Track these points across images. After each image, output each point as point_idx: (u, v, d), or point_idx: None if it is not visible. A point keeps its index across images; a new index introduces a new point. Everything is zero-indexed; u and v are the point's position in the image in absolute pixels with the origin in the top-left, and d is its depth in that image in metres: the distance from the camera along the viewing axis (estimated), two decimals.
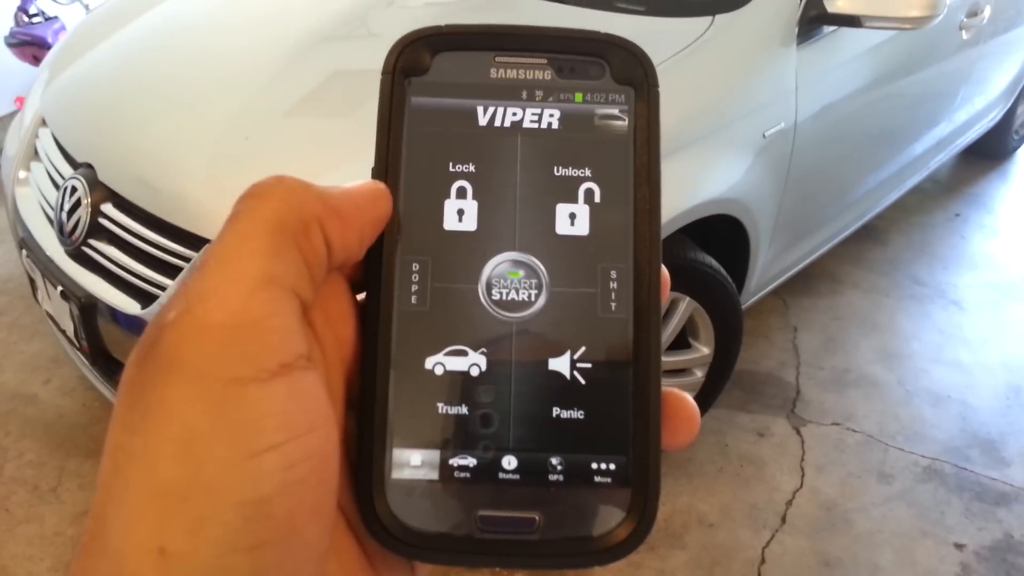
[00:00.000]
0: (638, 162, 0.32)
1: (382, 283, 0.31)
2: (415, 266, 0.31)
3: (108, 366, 1.71)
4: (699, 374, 2.03)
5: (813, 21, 1.92)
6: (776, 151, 1.93)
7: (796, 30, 1.90)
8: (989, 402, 2.40)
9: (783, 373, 2.46)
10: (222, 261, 0.27)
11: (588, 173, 0.32)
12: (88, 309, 1.62)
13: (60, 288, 1.66)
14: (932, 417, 2.34)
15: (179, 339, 0.25)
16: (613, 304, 0.31)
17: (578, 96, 0.32)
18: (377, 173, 0.32)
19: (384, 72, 0.32)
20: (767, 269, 2.21)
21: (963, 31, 2.49)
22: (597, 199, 0.32)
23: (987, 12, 2.54)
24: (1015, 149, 3.70)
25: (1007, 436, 2.28)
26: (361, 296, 0.32)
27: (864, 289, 2.85)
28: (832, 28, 1.97)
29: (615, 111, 0.32)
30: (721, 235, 1.95)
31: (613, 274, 0.31)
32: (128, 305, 1.56)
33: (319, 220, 0.28)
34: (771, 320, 2.65)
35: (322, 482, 0.27)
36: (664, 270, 0.32)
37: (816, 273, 2.78)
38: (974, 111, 3.08)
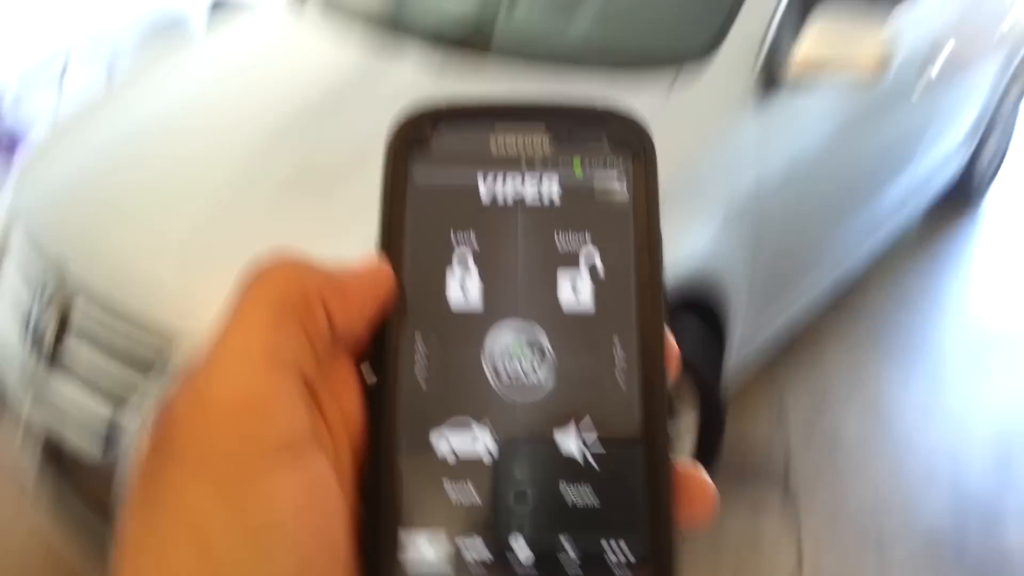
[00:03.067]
0: (638, 231, 0.32)
1: (386, 362, 0.31)
2: (419, 345, 0.31)
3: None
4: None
5: (770, 83, 1.89)
6: (740, 215, 1.88)
7: (756, 86, 1.87)
8: (982, 460, 2.33)
9: (774, 441, 2.38)
10: (227, 342, 0.27)
11: (589, 243, 0.32)
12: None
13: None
14: (925, 478, 2.25)
15: (187, 424, 0.25)
16: (621, 379, 0.30)
17: (576, 167, 0.32)
18: (382, 248, 0.32)
19: (387, 147, 0.33)
20: (745, 337, 2.13)
21: (919, 79, 2.48)
22: (599, 269, 0.31)
23: (938, 66, 2.54)
24: (981, 196, 3.69)
25: (1002, 495, 2.20)
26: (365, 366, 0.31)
27: (847, 347, 2.78)
28: (789, 89, 1.95)
29: (614, 180, 0.32)
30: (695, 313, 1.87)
31: (619, 348, 0.31)
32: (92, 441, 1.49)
33: (320, 295, 0.28)
34: (757, 386, 2.57)
35: (333, 565, 0.27)
36: (672, 342, 0.31)
37: (798, 333, 2.71)
38: (937, 160, 3.07)
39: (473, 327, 0.31)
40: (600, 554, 0.29)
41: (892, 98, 2.42)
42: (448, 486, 0.30)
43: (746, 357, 2.20)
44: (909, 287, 3.13)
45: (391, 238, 0.32)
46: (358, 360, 0.31)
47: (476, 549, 0.29)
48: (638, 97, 1.79)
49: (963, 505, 2.15)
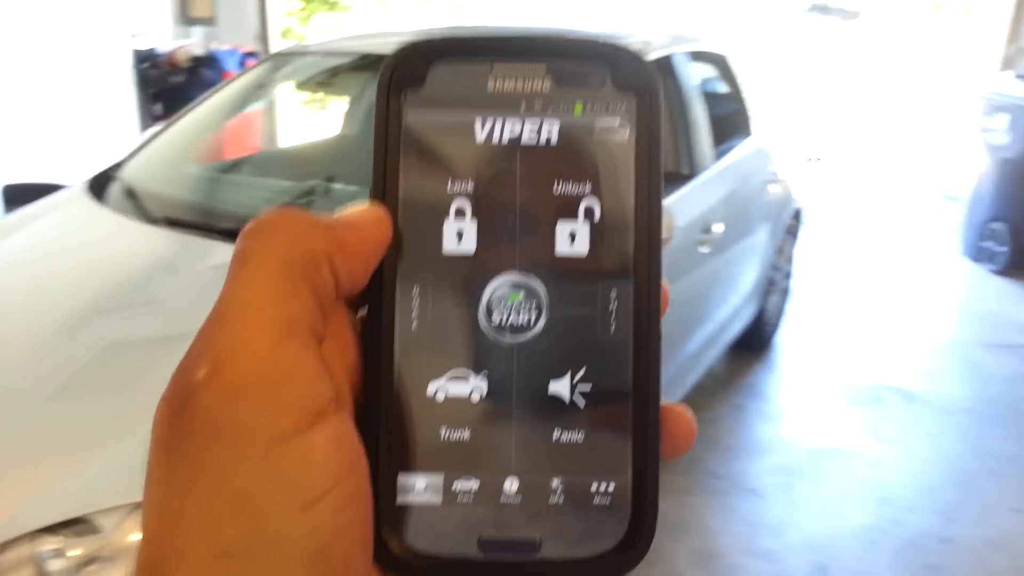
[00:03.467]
0: (639, 175, 0.31)
1: (382, 309, 0.30)
2: (415, 290, 0.30)
3: None
4: None
5: None
6: None
7: None
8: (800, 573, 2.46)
9: None
10: (241, 309, 0.26)
11: (588, 189, 0.31)
12: None
13: None
14: None
15: (215, 400, 0.25)
16: (613, 325, 0.30)
17: (578, 107, 0.31)
18: (375, 193, 0.31)
19: (379, 86, 0.31)
20: None
21: (701, 246, 2.80)
22: (597, 217, 0.30)
23: (718, 228, 2.89)
24: (771, 339, 4.11)
25: None
26: (362, 312, 0.31)
27: (670, 492, 2.91)
28: None
29: (616, 122, 0.31)
30: None
31: (613, 294, 0.30)
32: None
33: (327, 254, 0.28)
34: None
35: (366, 516, 0.28)
36: (665, 285, 0.31)
37: None
38: (732, 309, 3.41)
39: (470, 274, 0.30)
40: (587, 494, 0.30)
41: (682, 260, 2.71)
42: (444, 432, 0.30)
43: None
44: (720, 428, 3.37)
45: (384, 182, 0.31)
46: (355, 307, 0.31)
47: (467, 488, 0.30)
48: None
49: None
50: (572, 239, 0.31)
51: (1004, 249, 5.08)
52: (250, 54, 6.24)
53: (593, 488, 0.30)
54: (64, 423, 1.58)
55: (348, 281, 0.29)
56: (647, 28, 3.21)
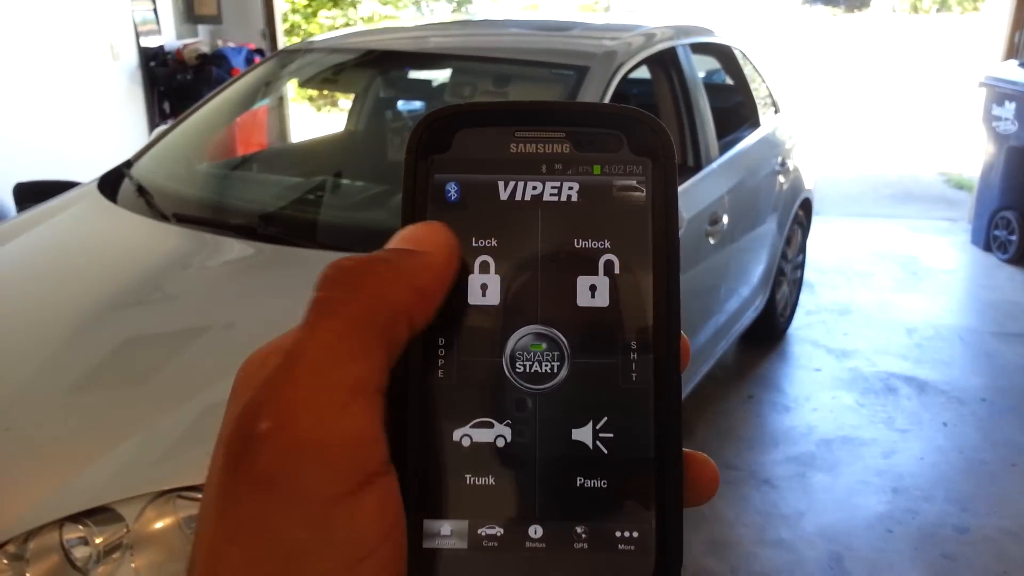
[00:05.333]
0: (657, 233, 0.32)
1: (410, 358, 0.31)
2: (441, 340, 0.31)
3: None
4: None
5: None
6: None
7: None
8: (816, 562, 2.45)
9: None
10: (313, 366, 0.26)
11: (608, 245, 0.32)
12: None
13: None
14: None
15: (275, 455, 0.25)
16: (634, 375, 0.31)
17: (596, 168, 0.32)
18: None
19: (407, 151, 0.33)
20: None
21: (709, 237, 2.79)
22: (617, 271, 0.32)
23: (726, 219, 2.88)
24: (784, 330, 4.09)
25: None
26: None
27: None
28: None
29: (633, 182, 0.32)
30: None
31: (634, 345, 0.31)
32: None
33: (407, 309, 0.28)
34: None
35: (403, 571, 0.28)
36: (685, 338, 0.32)
37: None
38: (741, 300, 3.41)
39: (494, 326, 0.31)
40: (611, 540, 0.30)
41: (690, 252, 2.71)
42: (468, 475, 0.31)
43: None
44: (733, 420, 3.36)
45: None
46: None
47: (493, 534, 0.30)
48: None
49: None
50: (593, 292, 0.32)
51: (1014, 238, 5.05)
52: (258, 51, 6.24)
53: (617, 535, 0.31)
54: (86, 414, 1.61)
55: (422, 324, 0.30)
56: (652, 20, 3.20)
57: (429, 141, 0.33)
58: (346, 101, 3.73)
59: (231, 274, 2.14)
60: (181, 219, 2.23)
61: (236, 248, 2.13)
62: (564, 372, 0.31)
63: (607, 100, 2.38)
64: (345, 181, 2.70)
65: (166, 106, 5.82)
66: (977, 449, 3.13)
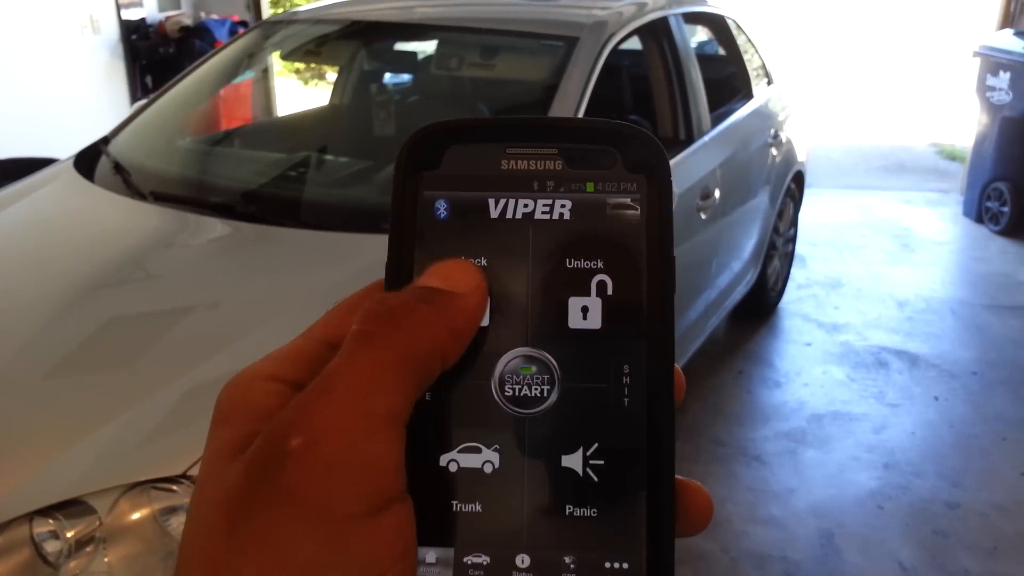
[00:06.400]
0: (651, 252, 0.31)
1: None
2: None
3: None
4: None
5: None
6: None
7: None
8: (807, 553, 2.44)
9: None
10: (349, 394, 0.27)
11: (600, 265, 0.31)
12: None
13: None
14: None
15: (304, 473, 0.26)
16: (626, 399, 0.30)
17: (589, 186, 0.32)
18: (391, 270, 0.31)
19: (396, 168, 0.32)
20: None
21: (700, 212, 2.75)
22: (610, 291, 0.31)
23: (717, 194, 2.84)
24: (775, 305, 4.07)
25: (830, 568, 2.31)
26: None
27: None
28: None
29: (627, 200, 0.31)
30: None
31: (626, 368, 0.30)
32: None
33: (442, 349, 0.29)
34: None
35: None
36: (679, 372, 0.31)
37: None
38: (733, 275, 3.38)
39: (484, 348, 0.31)
40: (600, 571, 0.30)
41: (681, 226, 2.67)
42: (456, 505, 0.30)
43: None
44: (723, 395, 3.34)
45: (400, 259, 0.31)
46: None
47: (479, 563, 0.30)
48: None
49: None
50: (585, 314, 0.31)
51: (1007, 209, 5.03)
52: (242, 23, 6.12)
53: (607, 566, 0.30)
54: (61, 401, 1.57)
55: (453, 362, 0.30)
56: None
57: (418, 158, 0.32)
58: (333, 74, 3.66)
59: (214, 253, 2.09)
60: (159, 197, 2.17)
61: (217, 228, 2.08)
62: (554, 396, 0.30)
63: (597, 70, 2.32)
64: (329, 157, 2.64)
65: (148, 80, 5.71)
66: (968, 423, 3.13)
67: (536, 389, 0.30)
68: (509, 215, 0.32)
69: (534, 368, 0.31)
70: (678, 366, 0.31)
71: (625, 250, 0.31)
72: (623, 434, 0.30)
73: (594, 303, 0.31)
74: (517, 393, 0.31)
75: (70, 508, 1.37)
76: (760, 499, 2.70)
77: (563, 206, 0.32)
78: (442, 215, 0.32)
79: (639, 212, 0.31)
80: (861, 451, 2.95)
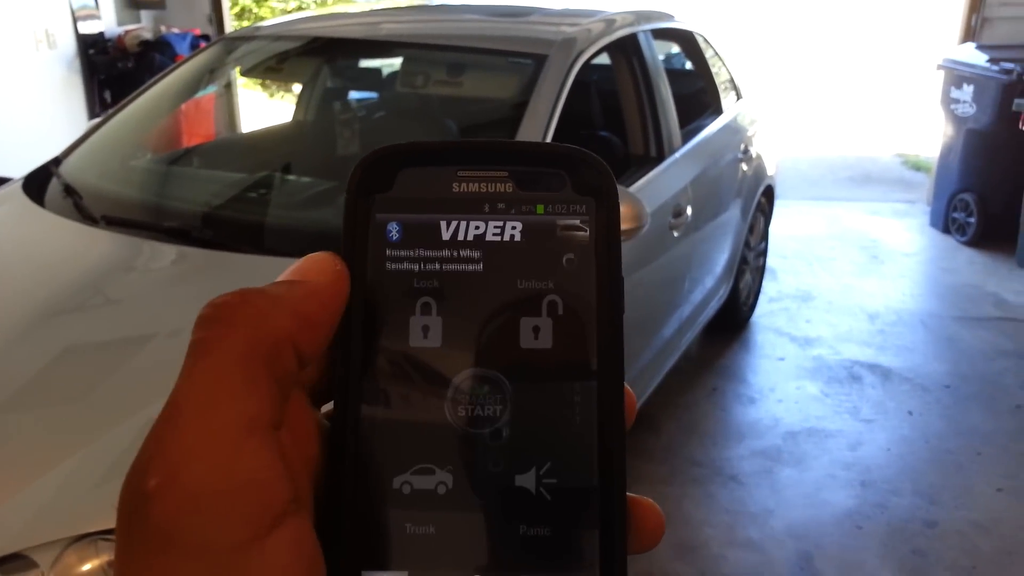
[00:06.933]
0: (600, 273, 0.31)
1: (348, 403, 0.30)
2: (381, 384, 0.31)
3: None
4: None
5: None
6: None
7: None
8: (785, 562, 2.40)
9: None
10: (198, 410, 0.25)
11: (551, 286, 0.31)
12: None
13: None
14: None
15: (169, 512, 0.24)
16: (578, 418, 0.30)
17: (539, 208, 0.32)
18: None
19: (348, 190, 0.32)
20: None
21: (673, 230, 2.71)
22: (560, 312, 0.31)
23: (688, 211, 2.80)
24: (747, 319, 4.05)
25: None
26: (326, 408, 0.31)
27: (648, 482, 2.84)
28: None
29: (576, 222, 0.32)
30: None
31: (577, 387, 0.31)
32: None
33: (290, 335, 0.27)
34: None
35: None
36: (631, 393, 0.31)
37: None
38: (706, 290, 3.35)
39: (436, 369, 0.31)
40: None
41: (654, 244, 2.62)
42: (409, 527, 0.30)
43: None
44: (697, 413, 3.30)
45: (353, 282, 0.31)
46: (315, 394, 0.31)
47: None
48: None
49: None
50: (536, 334, 0.31)
51: (973, 220, 5.07)
52: (204, 36, 6.01)
53: None
54: (6, 441, 1.48)
55: (312, 354, 0.29)
56: (613, 5, 3.09)
57: (370, 180, 0.32)
58: (299, 86, 3.58)
59: (173, 279, 2.00)
60: (111, 222, 2.08)
61: (172, 254, 1.99)
62: (507, 416, 0.31)
63: (566, 88, 2.27)
64: (291, 177, 2.56)
65: (107, 95, 5.58)
66: (943, 438, 3.11)
67: (489, 409, 0.30)
68: (461, 237, 0.32)
69: (486, 388, 0.31)
70: (628, 386, 0.31)
71: (575, 271, 0.32)
72: (575, 453, 0.30)
73: (545, 323, 0.31)
74: (470, 414, 0.30)
75: (9, 564, 1.28)
76: (738, 521, 2.65)
77: (514, 228, 0.32)
78: (394, 237, 0.32)
79: (588, 234, 0.32)
80: (837, 469, 2.92)
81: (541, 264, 0.32)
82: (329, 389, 0.31)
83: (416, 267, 0.31)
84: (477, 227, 0.32)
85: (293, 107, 3.40)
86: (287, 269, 0.31)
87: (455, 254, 0.32)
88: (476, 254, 0.32)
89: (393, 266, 0.31)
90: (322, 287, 0.30)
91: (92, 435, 1.45)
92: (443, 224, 0.32)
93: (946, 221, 5.31)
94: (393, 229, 0.32)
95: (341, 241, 0.32)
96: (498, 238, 0.32)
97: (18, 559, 1.28)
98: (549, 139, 2.15)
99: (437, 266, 0.31)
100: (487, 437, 0.30)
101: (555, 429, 0.31)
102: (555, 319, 0.31)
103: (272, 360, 0.27)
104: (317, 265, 0.30)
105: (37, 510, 1.34)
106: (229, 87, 4.45)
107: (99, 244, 2.07)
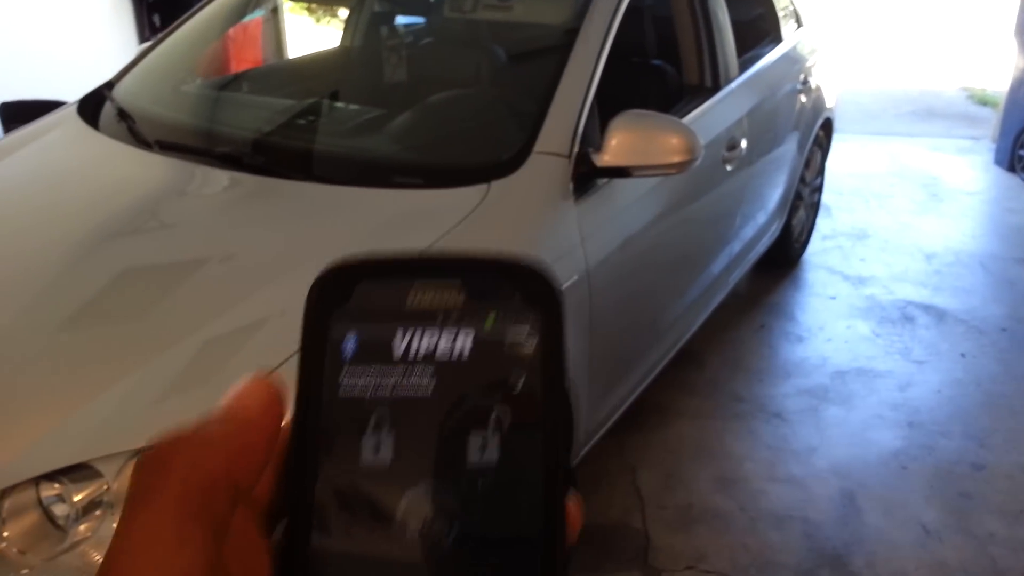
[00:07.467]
0: (545, 387, 0.32)
1: (298, 526, 0.30)
2: (332, 503, 0.31)
3: None
4: None
5: (585, 176, 1.95)
6: (572, 303, 1.90)
7: (571, 186, 1.92)
8: (828, 514, 2.40)
9: (630, 520, 2.36)
10: (131, 566, 0.26)
11: (499, 398, 0.32)
12: None
13: None
14: (779, 542, 2.29)
15: None
16: (523, 530, 0.31)
17: (490, 319, 0.33)
18: (298, 407, 0.32)
19: (307, 301, 0.33)
20: (591, 417, 2.14)
21: (727, 164, 2.64)
22: (507, 428, 0.32)
23: (743, 144, 2.72)
24: (799, 257, 3.97)
25: (851, 547, 2.27)
26: (276, 535, 0.31)
27: (690, 416, 2.85)
28: (605, 186, 2.02)
29: (524, 335, 0.33)
30: None
31: (524, 506, 0.31)
32: None
33: (225, 473, 0.28)
34: (609, 464, 2.58)
35: None
36: (573, 509, 0.32)
37: (643, 406, 2.75)
38: (757, 227, 3.28)
39: (385, 486, 0.31)
40: None
41: (706, 179, 2.57)
42: None
43: (593, 435, 2.21)
44: (744, 350, 3.28)
45: (308, 395, 0.32)
46: (265, 519, 0.31)
47: None
48: (455, 205, 1.80)
49: (817, 562, 2.21)
50: (483, 450, 0.31)
51: None
52: None
53: None
54: (70, 359, 1.53)
55: (250, 482, 0.29)
56: None
57: (329, 293, 0.33)
58: (346, 10, 3.52)
59: (226, 204, 2.02)
60: (165, 146, 2.09)
61: (225, 179, 2.01)
62: (455, 533, 0.31)
63: (619, 14, 2.20)
64: (339, 104, 2.54)
65: (156, 19, 5.57)
66: (997, 382, 3.05)
67: (438, 525, 0.31)
68: (413, 350, 0.32)
69: (436, 504, 0.31)
70: (578, 492, 0.32)
71: (521, 385, 0.32)
72: (520, 565, 0.31)
73: (492, 439, 0.32)
74: (421, 530, 0.31)
75: (77, 472, 1.34)
76: (780, 457, 2.65)
77: (464, 341, 0.32)
78: (349, 352, 0.32)
79: (535, 344, 0.32)
80: (885, 409, 2.88)
81: (489, 378, 0.32)
82: (282, 507, 0.32)
83: (370, 381, 0.32)
84: (429, 339, 0.33)
85: (340, 32, 3.36)
86: (224, 396, 0.31)
87: (407, 368, 0.32)
88: (427, 368, 0.32)
89: (347, 380, 0.32)
90: (258, 416, 0.30)
91: (150, 354, 1.49)
92: (397, 337, 0.33)
93: (1012, 159, 5.10)
94: (350, 342, 0.33)
95: (298, 355, 0.32)
96: (449, 351, 0.32)
97: (84, 468, 1.33)
98: (600, 67, 2.09)
99: (389, 380, 0.32)
100: (437, 554, 0.31)
101: (502, 547, 0.31)
102: (502, 434, 0.32)
103: (205, 504, 0.27)
104: (252, 391, 0.31)
105: (101, 423, 1.39)
106: (276, 11, 4.41)
107: (153, 168, 2.09)
